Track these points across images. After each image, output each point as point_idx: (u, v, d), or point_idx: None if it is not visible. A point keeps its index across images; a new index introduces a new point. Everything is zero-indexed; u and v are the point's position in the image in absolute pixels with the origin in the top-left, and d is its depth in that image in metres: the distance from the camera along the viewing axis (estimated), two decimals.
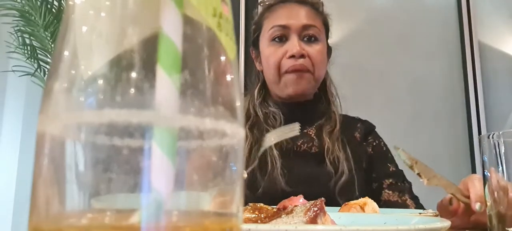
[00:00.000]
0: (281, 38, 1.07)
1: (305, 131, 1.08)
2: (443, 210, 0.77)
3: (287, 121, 1.05)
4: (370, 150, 1.10)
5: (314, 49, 1.06)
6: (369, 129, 1.14)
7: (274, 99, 1.12)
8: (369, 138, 1.12)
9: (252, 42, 1.19)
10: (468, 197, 0.70)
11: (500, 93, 2.04)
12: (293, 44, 1.04)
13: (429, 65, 2.09)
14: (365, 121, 1.16)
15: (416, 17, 2.14)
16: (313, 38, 1.07)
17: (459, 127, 2.04)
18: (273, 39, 1.08)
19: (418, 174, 0.74)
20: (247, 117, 1.08)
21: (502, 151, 0.45)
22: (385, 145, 1.11)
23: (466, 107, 2.04)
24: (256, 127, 1.07)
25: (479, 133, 1.96)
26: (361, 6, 2.14)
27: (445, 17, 2.14)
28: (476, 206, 0.68)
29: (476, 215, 0.71)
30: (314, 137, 1.06)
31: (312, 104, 1.11)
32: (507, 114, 2.01)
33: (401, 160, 0.78)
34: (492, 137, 0.46)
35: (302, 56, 1.04)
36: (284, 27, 1.07)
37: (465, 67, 2.06)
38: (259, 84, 1.15)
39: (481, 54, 2.06)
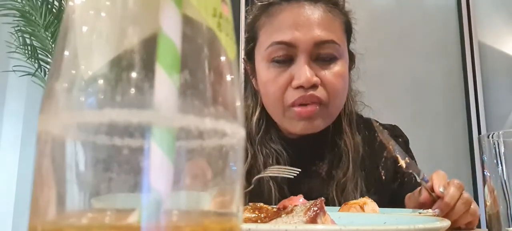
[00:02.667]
0: (284, 59, 0.79)
1: (314, 168, 0.85)
2: (412, 201, 0.76)
3: (293, 163, 0.82)
4: (396, 186, 0.88)
5: (331, 73, 0.79)
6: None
7: (278, 131, 0.87)
8: (398, 174, 0.88)
9: (246, 53, 0.90)
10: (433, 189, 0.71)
11: (500, 93, 2.04)
12: (302, 71, 0.77)
13: (429, 65, 2.09)
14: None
15: (416, 17, 2.14)
16: (330, 57, 0.80)
17: (459, 127, 2.04)
18: (273, 61, 0.80)
19: (396, 156, 0.74)
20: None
21: (502, 150, 0.45)
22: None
23: (466, 107, 2.04)
24: (251, 174, 0.81)
25: (479, 133, 1.96)
26: (361, 6, 2.13)
27: (445, 17, 2.14)
28: (440, 189, 0.69)
29: (438, 203, 0.71)
30: (325, 176, 0.84)
31: (323, 135, 0.85)
32: (507, 114, 2.01)
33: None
34: (492, 137, 0.46)
35: (314, 86, 0.78)
36: (289, 45, 0.78)
37: (465, 67, 2.06)
38: (257, 112, 0.87)
39: (481, 54, 2.06)
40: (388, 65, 2.06)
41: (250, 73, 0.90)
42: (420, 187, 0.75)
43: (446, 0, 2.16)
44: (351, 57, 0.89)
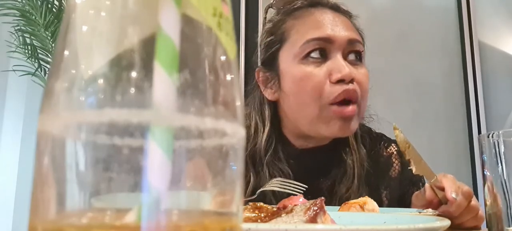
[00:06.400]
0: (320, 55, 0.79)
1: (316, 183, 0.83)
2: (420, 199, 0.76)
3: (297, 179, 0.79)
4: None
5: (360, 73, 0.81)
6: (404, 187, 0.86)
7: (287, 147, 0.84)
8: (406, 196, 0.86)
9: (263, 62, 0.87)
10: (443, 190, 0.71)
11: (500, 93, 2.04)
12: (339, 64, 0.77)
13: (429, 65, 2.09)
14: (405, 171, 0.86)
15: (416, 17, 2.14)
16: (358, 57, 0.83)
17: (459, 126, 2.04)
18: (308, 55, 0.79)
19: (408, 160, 0.74)
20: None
21: (502, 150, 0.45)
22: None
23: (466, 107, 2.04)
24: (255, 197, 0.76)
25: (479, 132, 1.96)
26: (361, 6, 2.13)
27: (445, 17, 2.14)
28: (453, 194, 0.69)
29: (443, 208, 0.71)
30: (326, 192, 0.82)
31: (330, 149, 0.85)
32: (507, 114, 2.01)
33: (397, 141, 0.76)
34: (492, 136, 0.46)
35: (352, 81, 0.78)
36: (326, 40, 0.79)
37: (465, 67, 2.06)
38: (267, 128, 0.84)
39: (481, 54, 2.06)
40: (388, 65, 2.06)
41: (264, 82, 0.85)
42: (426, 185, 0.75)
43: (446, 0, 2.16)
44: None
